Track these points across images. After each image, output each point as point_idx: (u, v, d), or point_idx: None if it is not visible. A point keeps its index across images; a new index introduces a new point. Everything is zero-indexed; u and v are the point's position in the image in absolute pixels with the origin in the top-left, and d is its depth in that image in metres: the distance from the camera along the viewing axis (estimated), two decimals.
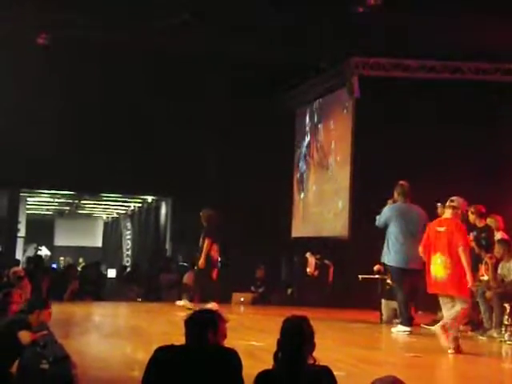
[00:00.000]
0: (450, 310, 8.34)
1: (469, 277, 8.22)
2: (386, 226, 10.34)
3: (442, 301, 8.55)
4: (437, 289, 8.50)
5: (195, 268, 12.52)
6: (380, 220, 10.45)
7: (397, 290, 10.34)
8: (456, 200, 8.55)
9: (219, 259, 12.95)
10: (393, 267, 10.32)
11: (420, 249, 8.77)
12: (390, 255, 10.26)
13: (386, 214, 10.38)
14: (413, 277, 10.13)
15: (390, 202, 10.66)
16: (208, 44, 14.70)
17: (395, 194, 10.47)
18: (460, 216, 8.66)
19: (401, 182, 10.54)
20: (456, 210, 8.48)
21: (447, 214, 8.55)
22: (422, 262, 9.69)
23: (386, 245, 10.34)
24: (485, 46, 13.18)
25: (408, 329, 10.01)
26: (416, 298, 10.64)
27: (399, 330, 10.10)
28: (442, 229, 8.43)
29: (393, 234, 10.22)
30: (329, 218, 15.41)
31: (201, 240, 12.21)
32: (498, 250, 10.06)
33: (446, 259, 8.29)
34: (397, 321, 10.63)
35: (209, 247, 12.06)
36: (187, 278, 14.58)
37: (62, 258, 27.42)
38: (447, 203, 8.60)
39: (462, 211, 8.73)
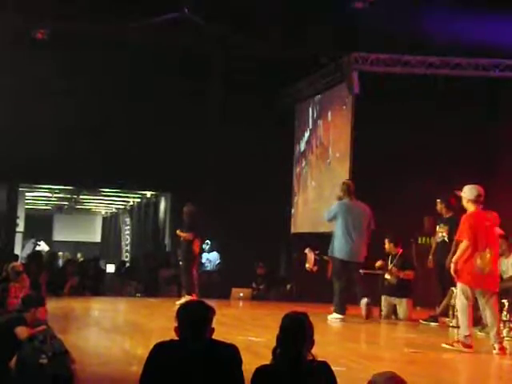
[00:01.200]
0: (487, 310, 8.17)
1: None
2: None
3: (485, 297, 8.11)
4: (485, 284, 8.08)
5: (180, 263, 12.85)
6: (329, 215, 11.24)
7: (335, 281, 10.95)
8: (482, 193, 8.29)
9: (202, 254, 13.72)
10: (336, 259, 10.95)
11: (465, 243, 8.13)
12: (335, 248, 10.94)
13: (334, 210, 11.10)
14: (353, 269, 10.90)
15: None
16: (207, 40, 14.68)
17: (341, 192, 11.15)
18: None
19: (345, 180, 11.46)
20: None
21: (474, 207, 8.21)
22: (363, 255, 10.82)
23: (332, 238, 11.05)
24: (484, 42, 13.18)
25: (340, 316, 10.71)
26: (354, 289, 11.01)
27: (333, 317, 10.72)
28: (488, 223, 8.20)
29: (339, 229, 10.91)
30: None
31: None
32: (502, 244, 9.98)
33: (494, 254, 8.14)
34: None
35: (190, 237, 12.44)
36: None
37: (60, 253, 27.39)
38: (473, 197, 8.19)
39: None
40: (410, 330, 10.25)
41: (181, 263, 12.87)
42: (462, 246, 8.14)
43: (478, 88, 14.16)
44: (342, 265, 10.89)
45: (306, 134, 16.76)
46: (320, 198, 15.91)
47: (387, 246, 11.64)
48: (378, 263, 11.69)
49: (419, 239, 12.40)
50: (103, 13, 13.32)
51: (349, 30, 13.21)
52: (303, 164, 16.85)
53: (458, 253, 8.17)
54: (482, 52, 13.61)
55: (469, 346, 7.93)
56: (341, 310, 10.75)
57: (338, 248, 10.89)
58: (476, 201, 8.19)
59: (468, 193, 8.28)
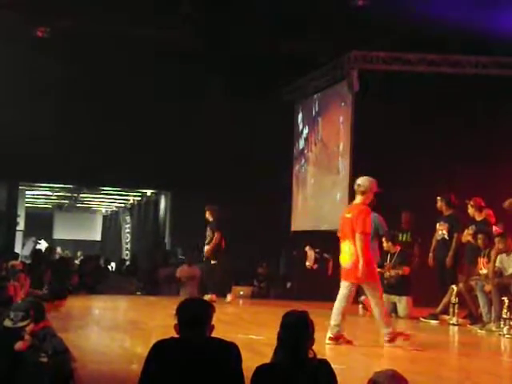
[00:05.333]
0: None
1: None
2: None
3: None
4: None
5: (211, 262, 13.18)
6: None
7: None
8: None
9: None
10: None
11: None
12: None
13: None
14: None
15: None
16: (207, 38, 14.67)
17: None
18: None
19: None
20: None
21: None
22: None
23: None
24: (485, 40, 13.17)
25: None
26: None
27: None
28: None
29: None
30: (327, 212, 15.39)
31: (209, 233, 12.98)
32: (500, 242, 9.98)
33: None
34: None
35: (218, 240, 12.85)
36: (180, 272, 14.73)
37: (59, 251, 27.34)
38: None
39: None
40: (410, 328, 10.23)
41: (213, 262, 13.01)
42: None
43: (477, 85, 14.14)
44: None
45: (306, 132, 16.75)
46: (319, 196, 15.91)
47: (385, 244, 11.58)
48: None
49: (400, 236, 12.30)
50: (104, 10, 13.33)
51: (349, 28, 13.20)
52: (302, 161, 16.84)
53: None
54: (482, 50, 13.61)
55: None
56: None
57: None
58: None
59: None
